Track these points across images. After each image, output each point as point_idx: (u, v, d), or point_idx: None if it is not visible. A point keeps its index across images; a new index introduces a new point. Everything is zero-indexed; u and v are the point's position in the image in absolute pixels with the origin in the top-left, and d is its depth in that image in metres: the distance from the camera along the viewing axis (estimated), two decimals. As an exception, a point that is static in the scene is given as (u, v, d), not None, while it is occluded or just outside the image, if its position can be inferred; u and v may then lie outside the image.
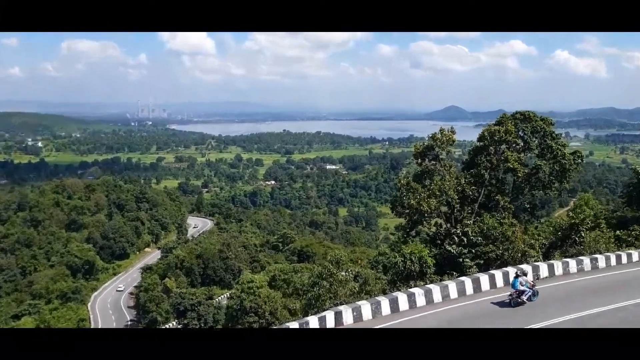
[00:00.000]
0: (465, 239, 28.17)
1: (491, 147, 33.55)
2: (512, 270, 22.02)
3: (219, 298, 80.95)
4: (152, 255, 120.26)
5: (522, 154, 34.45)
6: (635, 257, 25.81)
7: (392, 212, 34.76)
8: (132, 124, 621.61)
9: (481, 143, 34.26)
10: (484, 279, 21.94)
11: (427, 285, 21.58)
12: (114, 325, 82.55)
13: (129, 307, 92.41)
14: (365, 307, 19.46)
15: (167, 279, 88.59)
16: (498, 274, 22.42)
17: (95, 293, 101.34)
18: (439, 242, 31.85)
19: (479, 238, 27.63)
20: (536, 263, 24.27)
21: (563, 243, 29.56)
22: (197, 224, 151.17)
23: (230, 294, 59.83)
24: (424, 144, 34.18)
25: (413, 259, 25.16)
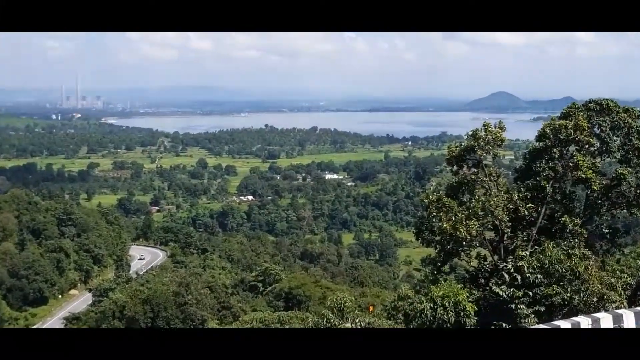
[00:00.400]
0: (519, 277, 28.16)
1: (555, 149, 33.63)
2: (584, 321, 22.01)
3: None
4: (81, 300, 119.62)
5: (599, 159, 34.57)
6: None
7: (417, 239, 34.75)
8: (54, 116, 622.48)
9: (541, 143, 34.35)
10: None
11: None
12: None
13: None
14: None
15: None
16: (565, 324, 22.40)
17: None
18: (483, 281, 31.79)
19: (539, 276, 27.63)
20: (618, 311, 24.28)
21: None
22: (144, 256, 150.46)
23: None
24: (461, 145, 34.26)
25: (447, 304, 25.13)
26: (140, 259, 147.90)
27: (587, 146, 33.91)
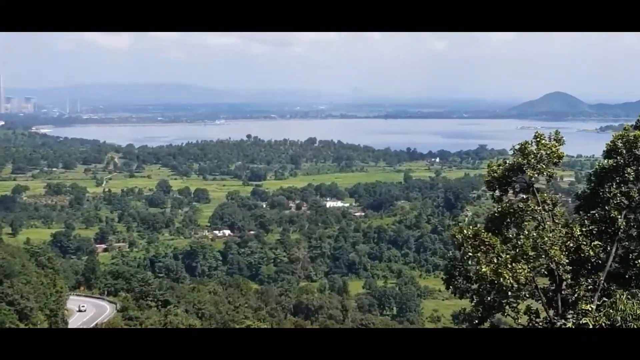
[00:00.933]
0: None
1: (630, 169, 33.58)
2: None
3: None
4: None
5: (689, 182, 34.49)
6: None
7: (447, 288, 34.49)
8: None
9: (611, 161, 34.29)
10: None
11: None
12: None
13: None
14: None
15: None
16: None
17: None
18: (535, 344, 31.60)
19: (610, 337, 27.41)
20: None
21: None
22: (86, 309, 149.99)
23: None
24: (505, 163, 34.22)
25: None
26: (81, 310, 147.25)
27: (671, 165, 33.92)
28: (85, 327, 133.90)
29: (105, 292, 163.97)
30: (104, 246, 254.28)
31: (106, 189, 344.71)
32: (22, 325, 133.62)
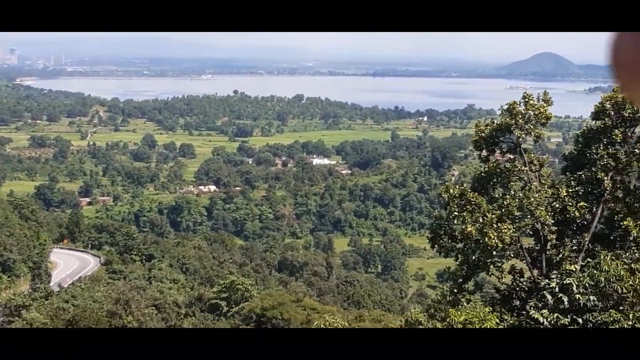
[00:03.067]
0: (565, 299, 28.23)
1: (617, 131, 33.67)
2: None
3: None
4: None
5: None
6: None
7: (433, 246, 34.77)
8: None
9: (599, 122, 34.39)
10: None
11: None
12: None
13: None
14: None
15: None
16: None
17: None
18: (518, 303, 31.86)
19: (592, 297, 27.70)
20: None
21: None
22: (70, 263, 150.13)
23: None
24: (493, 123, 34.29)
25: (470, 334, 25.15)
26: (64, 265, 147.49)
27: (660, 127, 34.02)
28: (69, 280, 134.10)
29: (89, 246, 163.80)
30: (88, 200, 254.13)
31: (91, 143, 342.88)
32: (5, 277, 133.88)
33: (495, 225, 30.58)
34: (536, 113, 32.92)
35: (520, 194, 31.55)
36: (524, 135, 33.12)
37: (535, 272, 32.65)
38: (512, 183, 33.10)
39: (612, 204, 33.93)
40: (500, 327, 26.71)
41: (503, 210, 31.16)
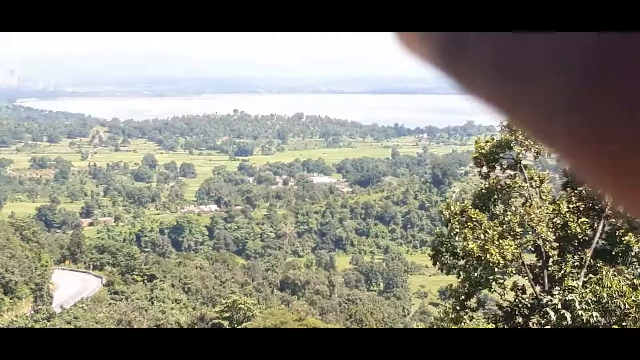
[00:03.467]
0: (568, 315, 28.21)
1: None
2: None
3: None
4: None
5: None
6: None
7: (434, 264, 34.63)
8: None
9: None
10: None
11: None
12: None
13: None
14: None
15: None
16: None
17: None
18: (521, 320, 31.79)
19: (594, 314, 27.68)
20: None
21: None
22: (72, 284, 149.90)
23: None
24: (493, 139, 34.33)
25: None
26: (66, 287, 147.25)
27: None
28: (71, 301, 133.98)
29: (91, 267, 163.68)
30: (89, 220, 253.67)
31: (91, 163, 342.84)
32: (7, 299, 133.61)
33: (496, 242, 30.57)
34: (536, 129, 32.93)
35: (522, 210, 31.54)
36: (524, 152, 33.11)
37: (538, 288, 32.59)
38: (512, 199, 33.07)
39: (614, 220, 33.90)
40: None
41: (504, 226, 31.17)
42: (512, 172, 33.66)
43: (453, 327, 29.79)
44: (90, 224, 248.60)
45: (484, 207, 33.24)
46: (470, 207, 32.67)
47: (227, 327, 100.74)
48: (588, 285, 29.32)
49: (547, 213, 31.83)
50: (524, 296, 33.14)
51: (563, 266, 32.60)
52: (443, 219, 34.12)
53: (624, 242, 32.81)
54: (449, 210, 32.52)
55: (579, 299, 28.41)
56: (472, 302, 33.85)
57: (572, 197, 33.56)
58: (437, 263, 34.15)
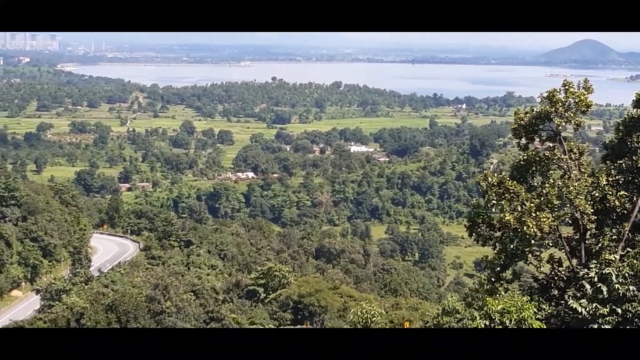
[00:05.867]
0: (604, 289, 27.99)
1: (659, 119, 33.35)
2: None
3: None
4: (25, 304, 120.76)
5: None
6: None
7: (470, 235, 34.57)
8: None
9: (640, 111, 34.03)
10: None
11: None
12: None
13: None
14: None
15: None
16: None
17: None
18: (556, 292, 31.64)
19: (631, 287, 27.43)
20: None
21: None
22: (109, 248, 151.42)
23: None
24: (532, 111, 34.00)
25: (507, 322, 25.01)
26: (104, 251, 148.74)
27: None
28: (109, 264, 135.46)
29: (129, 231, 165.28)
30: (127, 185, 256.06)
31: (130, 129, 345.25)
32: (45, 262, 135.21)
33: (533, 214, 30.38)
34: (576, 101, 32.59)
35: (560, 183, 31.27)
36: (563, 123, 32.77)
37: (574, 261, 32.38)
38: (551, 171, 32.77)
39: (654, 194, 33.55)
40: (537, 316, 26.50)
41: (542, 198, 30.93)
42: (551, 144, 33.31)
43: (488, 297, 29.74)
44: (129, 189, 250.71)
45: (521, 179, 33.00)
46: (507, 178, 32.48)
47: (263, 293, 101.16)
48: (626, 259, 29.06)
49: (585, 186, 31.48)
50: (560, 269, 32.94)
51: (600, 239, 32.32)
52: (480, 190, 33.95)
53: (664, 216, 32.44)
54: (487, 182, 32.31)
55: (616, 273, 28.15)
56: (508, 274, 33.71)
57: (612, 170, 33.20)
58: (473, 234, 34.02)
